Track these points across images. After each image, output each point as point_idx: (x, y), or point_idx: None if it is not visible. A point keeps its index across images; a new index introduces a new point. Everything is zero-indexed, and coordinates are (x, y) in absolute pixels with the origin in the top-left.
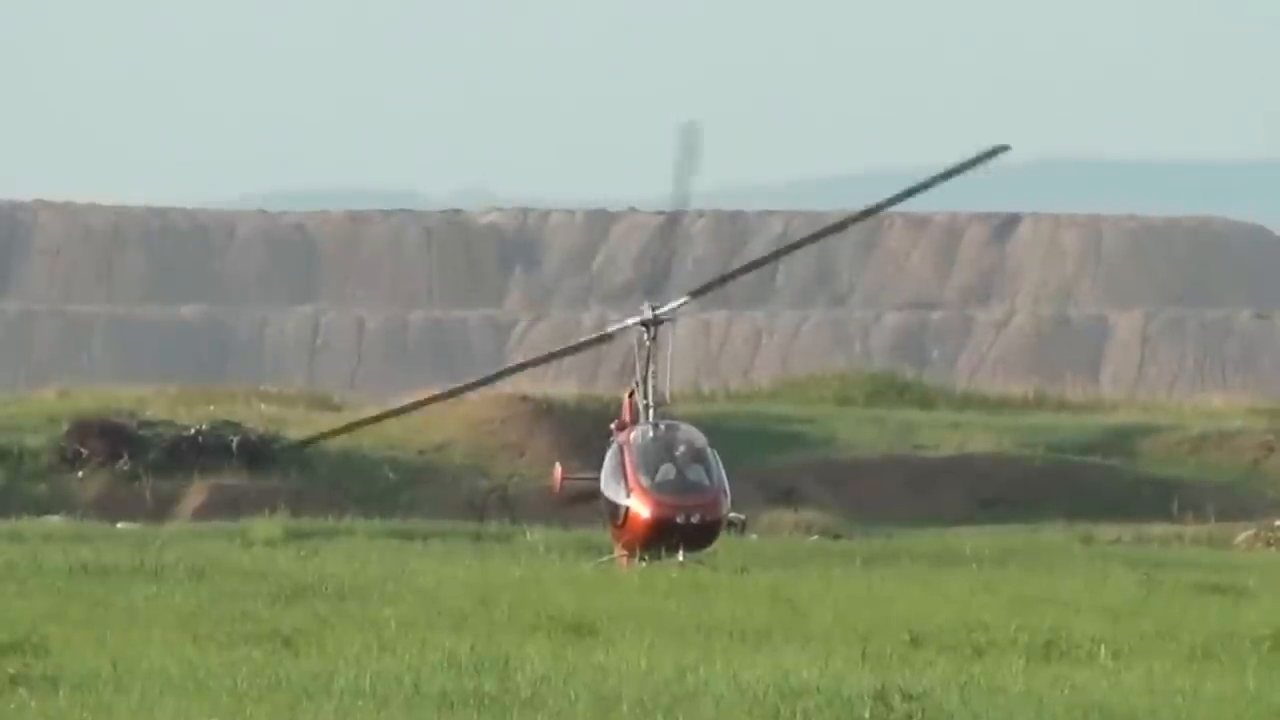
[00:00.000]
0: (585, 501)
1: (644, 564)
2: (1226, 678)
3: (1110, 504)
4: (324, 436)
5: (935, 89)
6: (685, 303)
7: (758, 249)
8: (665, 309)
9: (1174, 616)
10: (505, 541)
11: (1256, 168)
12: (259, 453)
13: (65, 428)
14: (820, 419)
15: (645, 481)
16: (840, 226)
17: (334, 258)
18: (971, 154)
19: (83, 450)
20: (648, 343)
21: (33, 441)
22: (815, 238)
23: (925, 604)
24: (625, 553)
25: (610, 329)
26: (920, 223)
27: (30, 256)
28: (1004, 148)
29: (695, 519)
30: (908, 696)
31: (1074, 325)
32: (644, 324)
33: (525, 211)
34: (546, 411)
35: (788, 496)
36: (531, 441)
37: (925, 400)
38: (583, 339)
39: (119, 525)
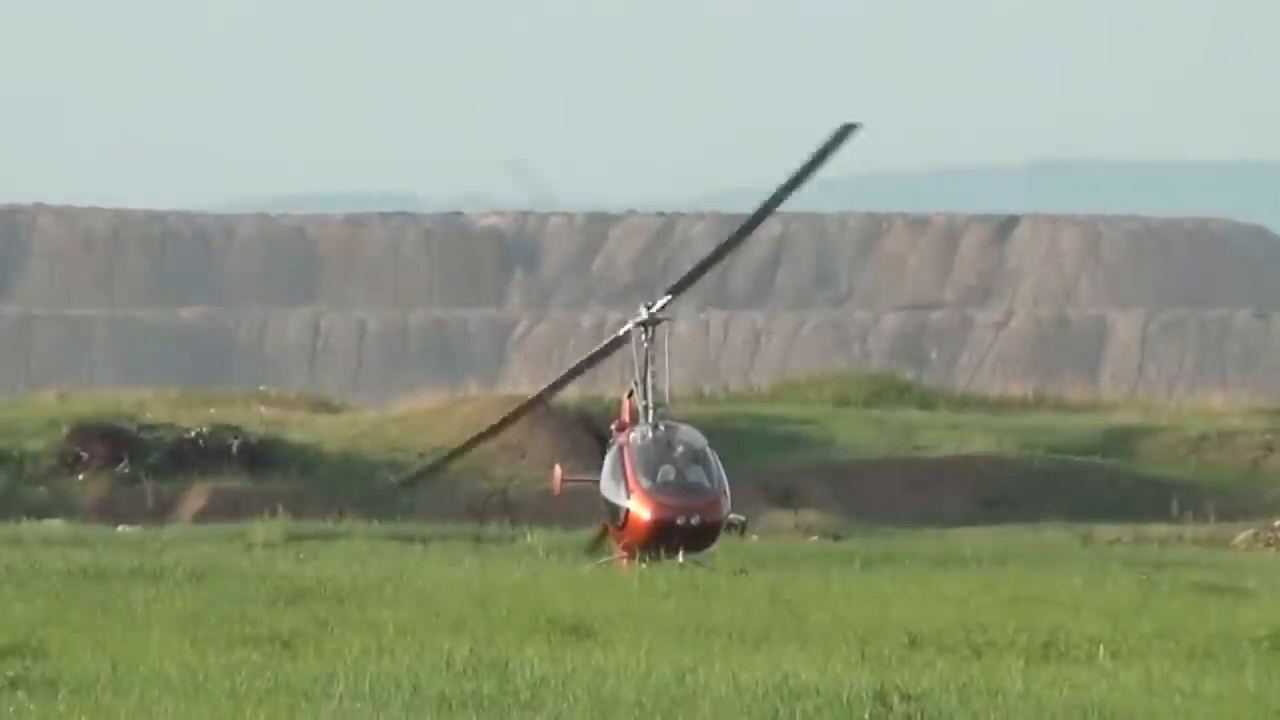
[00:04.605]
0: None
1: (644, 566)
2: (1225, 678)
3: (1110, 504)
4: (443, 464)
5: (934, 90)
6: (668, 301)
7: (759, 250)
8: (657, 307)
9: (1173, 617)
10: (505, 544)
11: (1256, 168)
12: (259, 456)
13: (65, 431)
14: (820, 420)
15: (645, 483)
16: (746, 232)
17: (334, 261)
18: (825, 139)
19: (83, 453)
20: (645, 344)
21: (33, 445)
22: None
23: (924, 605)
24: (625, 554)
25: (620, 331)
26: (919, 224)
27: (30, 260)
28: (852, 126)
29: (695, 520)
30: (907, 697)
31: (1073, 326)
32: (642, 324)
33: (525, 214)
34: (546, 413)
35: (787, 497)
36: (531, 443)
37: (925, 401)
38: (601, 345)
39: (119, 528)
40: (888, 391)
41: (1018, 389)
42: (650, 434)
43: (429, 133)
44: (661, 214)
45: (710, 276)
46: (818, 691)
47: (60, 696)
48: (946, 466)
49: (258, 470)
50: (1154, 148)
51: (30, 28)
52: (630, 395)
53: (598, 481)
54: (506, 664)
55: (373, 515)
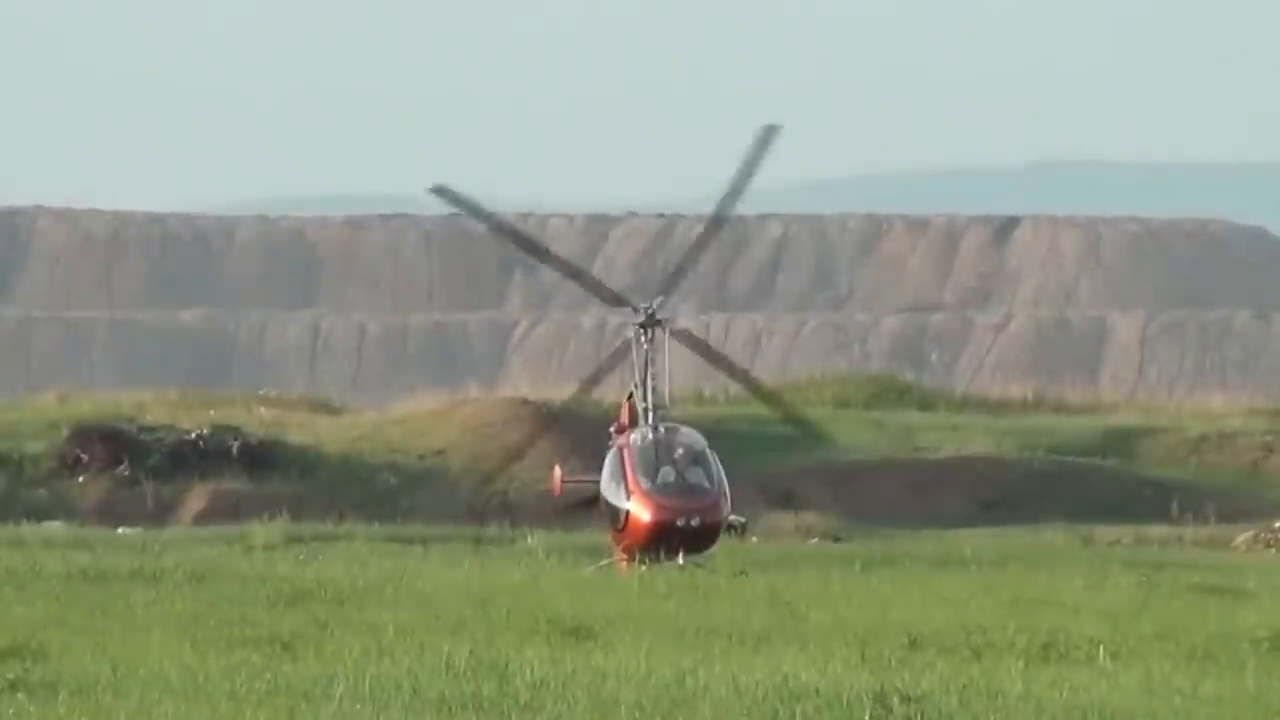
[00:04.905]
0: (586, 507)
1: (644, 568)
2: (1225, 679)
3: (1110, 506)
4: None
5: (933, 92)
6: (661, 301)
7: (759, 252)
8: (654, 307)
9: (1173, 618)
10: (505, 545)
11: (1256, 169)
12: (259, 457)
13: (66, 433)
14: (820, 421)
15: (645, 484)
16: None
17: (334, 263)
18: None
19: (83, 455)
20: (645, 345)
21: (33, 447)
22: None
23: (924, 606)
24: (625, 556)
25: (619, 344)
26: (919, 226)
27: (30, 262)
28: (776, 127)
29: (695, 522)
30: (907, 699)
31: (1073, 327)
32: (641, 326)
33: (525, 216)
34: (547, 415)
35: (788, 499)
36: (532, 445)
37: (925, 403)
38: (611, 353)
39: (120, 530)
40: (888, 393)
41: (1018, 390)
42: (650, 436)
43: (429, 133)
44: (661, 215)
45: (710, 278)
46: (818, 693)
47: (60, 698)
48: (946, 468)
49: (258, 472)
50: (1154, 148)
51: (30, 28)
52: (630, 397)
53: (598, 483)
54: (506, 666)
55: (373, 517)
